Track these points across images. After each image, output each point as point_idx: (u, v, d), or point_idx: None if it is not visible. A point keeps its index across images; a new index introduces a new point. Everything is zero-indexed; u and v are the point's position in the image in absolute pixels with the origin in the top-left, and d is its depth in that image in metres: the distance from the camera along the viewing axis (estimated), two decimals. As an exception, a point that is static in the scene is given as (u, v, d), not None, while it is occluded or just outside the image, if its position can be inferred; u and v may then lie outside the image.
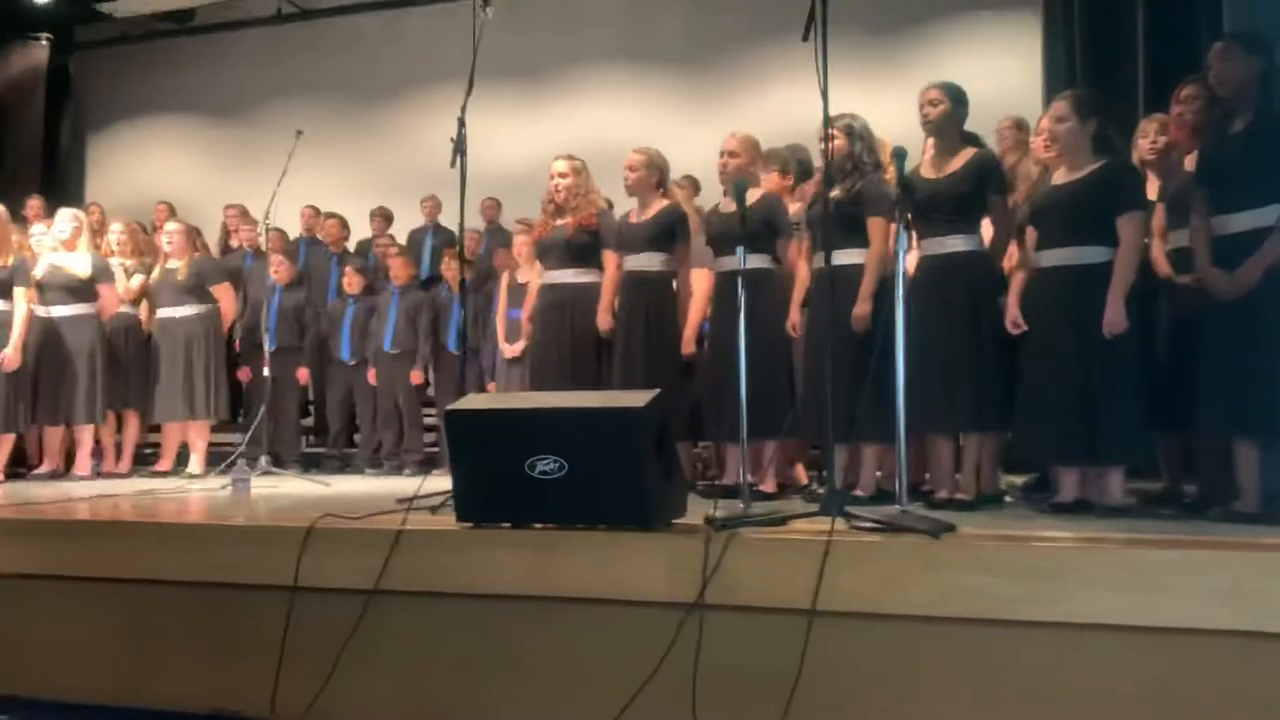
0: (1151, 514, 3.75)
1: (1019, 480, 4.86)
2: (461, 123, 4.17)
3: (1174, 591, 2.46)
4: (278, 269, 6.92)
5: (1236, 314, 3.45)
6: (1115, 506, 3.64)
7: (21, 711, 3.39)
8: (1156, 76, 6.06)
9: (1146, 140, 4.26)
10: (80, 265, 6.06)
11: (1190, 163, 3.89)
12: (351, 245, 8.12)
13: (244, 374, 7.06)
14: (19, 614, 3.47)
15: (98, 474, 6.13)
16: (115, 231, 6.66)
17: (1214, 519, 3.46)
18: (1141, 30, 6.48)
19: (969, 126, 4.16)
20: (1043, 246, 3.85)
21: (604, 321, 4.86)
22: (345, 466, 6.95)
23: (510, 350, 6.20)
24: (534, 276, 5.78)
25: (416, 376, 6.76)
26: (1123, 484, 3.72)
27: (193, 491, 5.10)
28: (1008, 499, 4.21)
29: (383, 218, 8.40)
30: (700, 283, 4.87)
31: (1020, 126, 5.40)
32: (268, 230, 6.54)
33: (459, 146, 4.18)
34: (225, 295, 6.50)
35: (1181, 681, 2.48)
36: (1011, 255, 4.27)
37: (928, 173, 4.10)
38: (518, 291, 6.23)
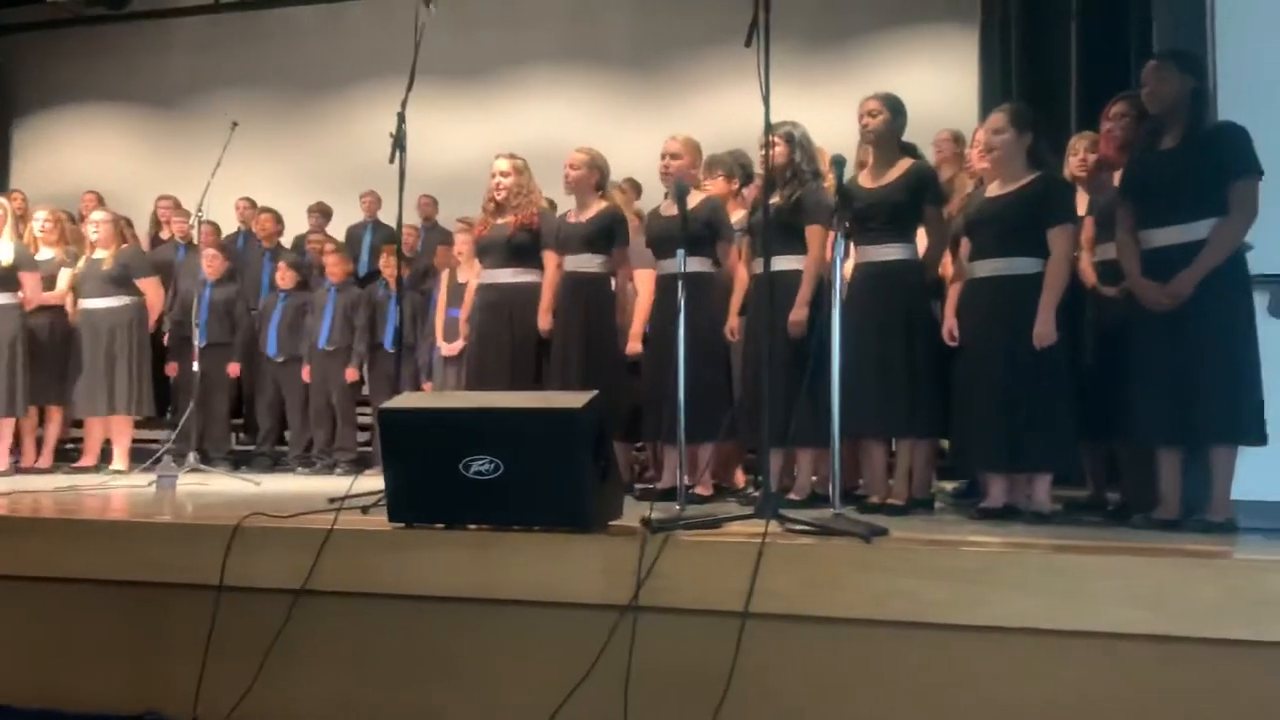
0: (1076, 520, 3.84)
1: (950, 486, 4.94)
2: (401, 118, 4.12)
3: (1097, 596, 2.52)
4: (210, 263, 6.78)
5: (1164, 325, 3.53)
6: (1041, 513, 3.71)
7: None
8: (1088, 93, 6.20)
9: (1076, 157, 4.37)
10: (2, 254, 5.87)
11: (1118, 178, 3.98)
12: (288, 240, 7.99)
13: (172, 369, 6.91)
14: (-70, 613, 3.35)
15: (17, 469, 5.95)
16: (40, 219, 6.47)
17: (1136, 525, 3.55)
18: (1074, 48, 6.63)
19: (906, 137, 4.23)
20: (976, 257, 3.93)
21: (544, 322, 4.84)
22: (276, 465, 6.83)
23: (448, 349, 6.14)
24: (472, 276, 5.74)
25: (352, 374, 6.67)
26: (1049, 491, 3.80)
27: (117, 488, 4.98)
28: (938, 504, 4.27)
29: (320, 213, 8.27)
30: (645, 283, 4.88)
31: (958, 140, 5.51)
32: (200, 223, 6.40)
33: (398, 142, 4.12)
34: (152, 288, 6.35)
35: (1104, 684, 2.53)
36: (947, 265, 4.35)
37: (865, 182, 4.16)
38: (457, 290, 6.18)
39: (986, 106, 6.50)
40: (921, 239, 4.20)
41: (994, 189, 3.95)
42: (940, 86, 7.69)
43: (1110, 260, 3.93)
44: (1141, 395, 3.58)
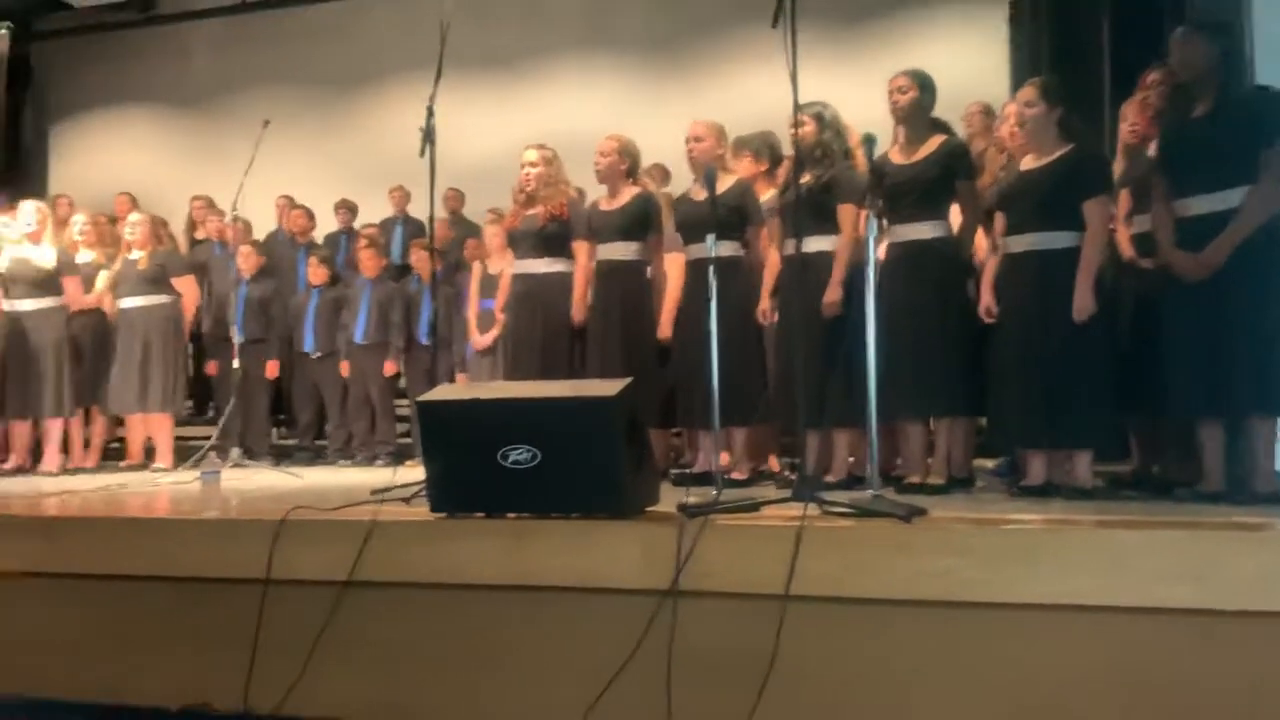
0: (1118, 496, 3.80)
1: (990, 464, 4.91)
2: (430, 112, 4.14)
3: (1140, 571, 2.50)
4: (244, 261, 6.86)
5: (1201, 296, 3.50)
6: (1082, 489, 3.68)
7: (-10, 710, 3.36)
8: (1121, 64, 6.11)
9: (1126, 124, 4.29)
10: (45, 258, 5.97)
11: (1154, 148, 3.93)
12: (320, 237, 8.06)
13: (213, 367, 7.00)
14: (-14, 611, 3.43)
15: (66, 469, 6.06)
16: (78, 223, 6.57)
17: (1179, 499, 3.52)
18: (1107, 17, 6.53)
19: (937, 113, 4.19)
20: (1011, 232, 3.89)
21: (578, 313, 4.84)
22: (317, 458, 6.92)
23: (482, 341, 6.18)
24: (505, 266, 5.76)
25: (389, 368, 6.74)
26: (1090, 467, 3.76)
27: (162, 485, 5.06)
28: (978, 483, 4.25)
29: (347, 209, 8.34)
30: (675, 268, 4.87)
31: (988, 112, 5.44)
32: (235, 221, 6.47)
33: (428, 136, 4.15)
34: (187, 288, 6.43)
35: (1148, 660, 2.51)
36: (981, 243, 4.31)
37: (896, 159, 4.13)
38: (489, 282, 6.21)
39: (1018, 79, 6.44)
40: (955, 215, 4.17)
41: (1027, 163, 3.91)
42: (970, 60, 7.60)
43: (1147, 232, 3.88)
44: (1177, 367, 3.54)
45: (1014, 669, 2.60)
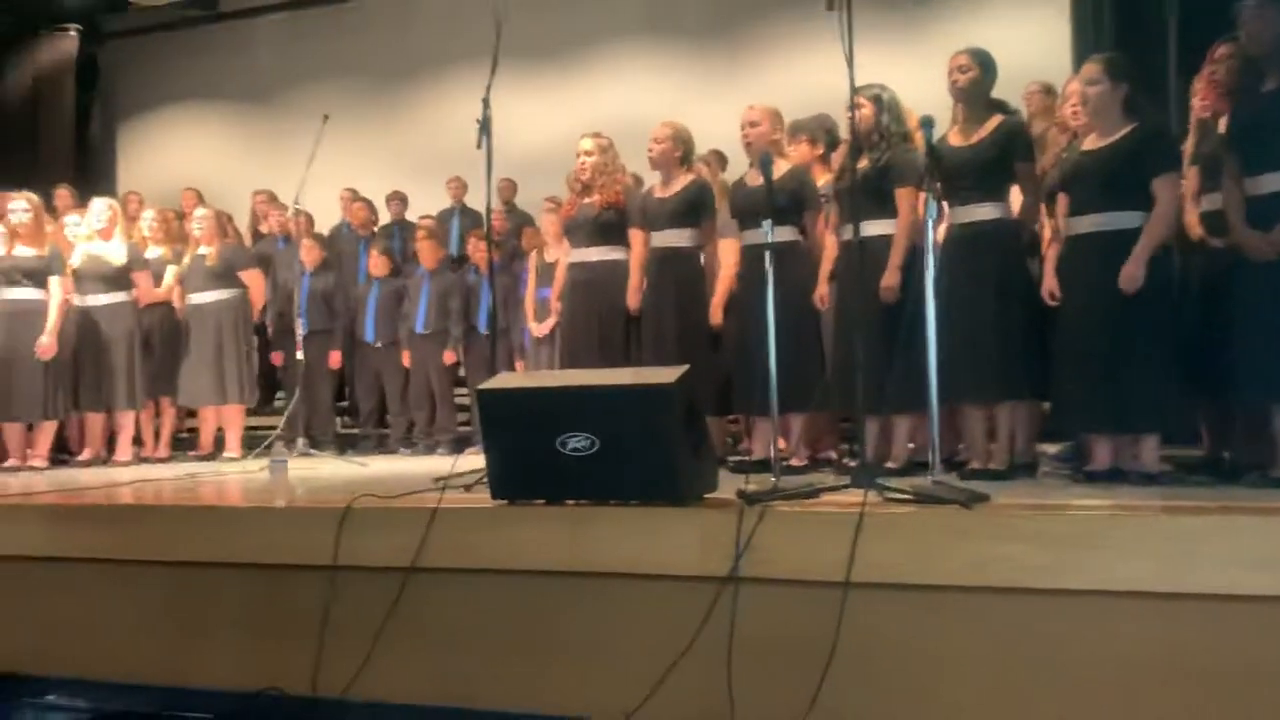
0: (1185, 481, 3.73)
1: (1054, 449, 4.83)
2: (486, 103, 4.16)
3: (1208, 558, 2.46)
4: (307, 253, 6.98)
5: (1272, 276, 3.41)
6: (1149, 474, 3.61)
7: (70, 692, 3.47)
8: (1187, 39, 5.96)
9: (1197, 99, 4.18)
10: (116, 254, 6.13)
11: (1224, 124, 3.83)
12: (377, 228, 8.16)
13: (277, 358, 7.14)
14: (66, 597, 3.54)
15: (139, 459, 6.23)
16: (147, 219, 6.73)
17: (1249, 485, 3.44)
18: (1172, -10, 6.37)
19: (995, 93, 4.12)
20: (1075, 213, 3.81)
21: (634, 301, 4.86)
22: (379, 447, 7.03)
23: (539, 329, 6.22)
24: (562, 255, 5.79)
25: (449, 357, 6.82)
26: (1156, 451, 3.68)
27: (231, 474, 5.18)
28: (1042, 468, 4.19)
29: (399, 201, 8.43)
30: (729, 254, 4.86)
31: (1049, 92, 5.33)
32: (296, 214, 6.58)
33: (484, 127, 4.18)
34: (254, 280, 6.56)
35: (1217, 649, 2.47)
36: (1044, 225, 4.24)
37: (955, 141, 4.07)
38: (546, 270, 6.25)
39: (1080, 57, 6.29)
40: (1015, 197, 4.11)
41: (1090, 142, 3.83)
42: (1031, 38, 7.43)
43: (1216, 210, 3.79)
44: (1247, 350, 3.47)
45: (1078, 656, 2.56)
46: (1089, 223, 3.75)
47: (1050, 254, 4.02)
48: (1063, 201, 3.91)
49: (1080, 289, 3.77)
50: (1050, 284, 3.90)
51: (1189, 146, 4.09)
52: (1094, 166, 3.76)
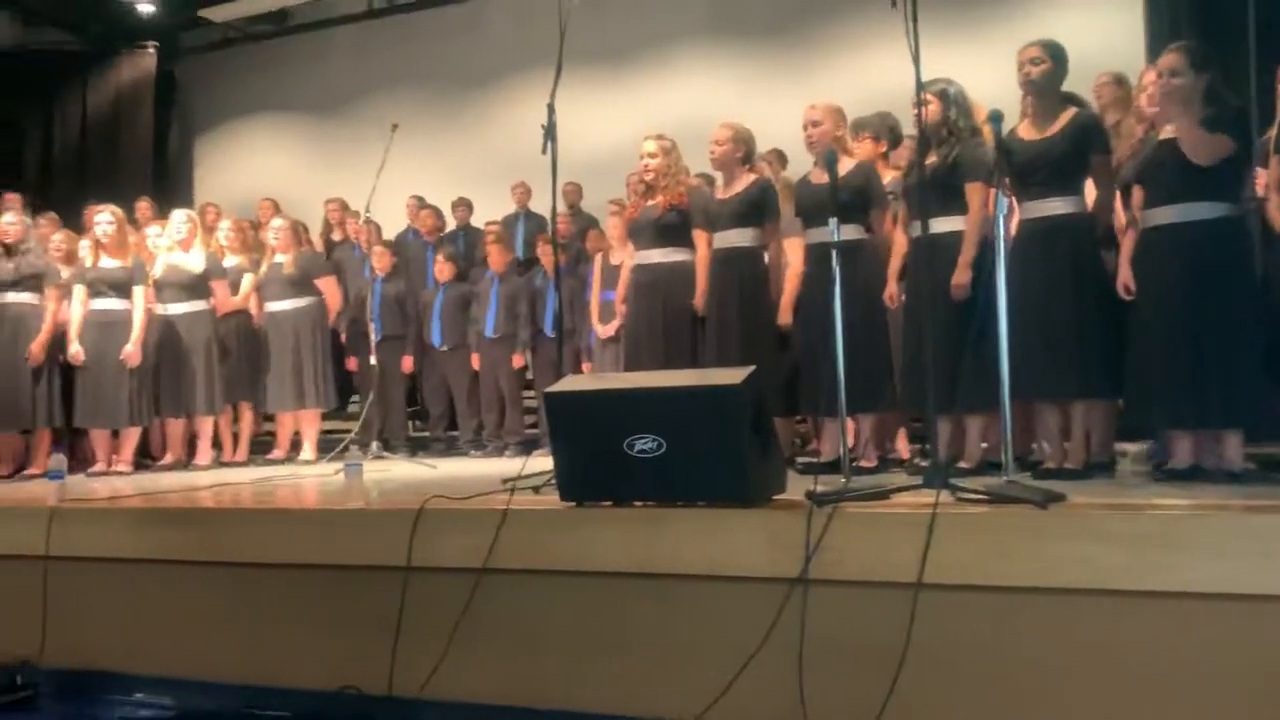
0: (1270, 479, 3.61)
1: (1133, 447, 4.72)
2: (551, 109, 4.20)
3: (1295, 559, 2.38)
4: (378, 260, 7.11)
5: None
6: (1232, 472, 3.51)
7: (156, 689, 3.58)
8: (1269, 24, 5.78)
9: None
10: (195, 263, 6.31)
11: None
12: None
13: (352, 363, 7.27)
14: (150, 598, 3.65)
15: (218, 463, 6.39)
16: (224, 229, 6.91)
17: (1339, 483, 3.33)
18: (1252, -26, 6.18)
19: (1067, 84, 4.04)
20: (1151, 205, 3.73)
21: (700, 302, 4.87)
22: (450, 449, 7.12)
23: (605, 331, 6.25)
24: (626, 257, 5.82)
25: (518, 360, 6.89)
26: (1240, 449, 3.58)
27: (308, 478, 5.29)
28: (1120, 467, 4.10)
29: (464, 206, 8.53)
30: (795, 253, 4.84)
31: (1120, 83, 5.21)
32: (367, 223, 6.71)
33: (550, 133, 4.21)
34: (330, 288, 6.71)
35: (1306, 651, 2.40)
36: (1120, 216, 4.15)
37: (1027, 134, 4.00)
38: (611, 273, 6.28)
39: (1154, 46, 6.14)
40: (1089, 190, 4.02)
41: (1168, 132, 3.73)
42: (1101, 30, 7.27)
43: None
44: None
45: (1157, 659, 2.51)
46: (1168, 214, 3.65)
47: (1125, 246, 3.93)
48: (1138, 193, 3.83)
49: (1158, 281, 3.68)
50: (1125, 276, 3.81)
51: (1272, 135, 3.97)
52: (1174, 157, 3.65)
